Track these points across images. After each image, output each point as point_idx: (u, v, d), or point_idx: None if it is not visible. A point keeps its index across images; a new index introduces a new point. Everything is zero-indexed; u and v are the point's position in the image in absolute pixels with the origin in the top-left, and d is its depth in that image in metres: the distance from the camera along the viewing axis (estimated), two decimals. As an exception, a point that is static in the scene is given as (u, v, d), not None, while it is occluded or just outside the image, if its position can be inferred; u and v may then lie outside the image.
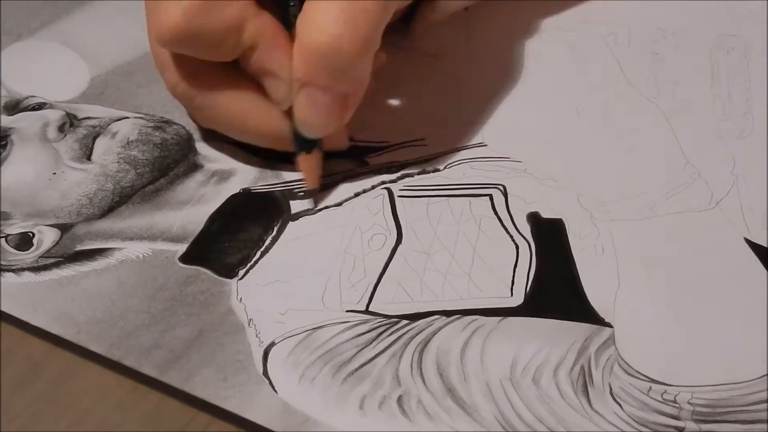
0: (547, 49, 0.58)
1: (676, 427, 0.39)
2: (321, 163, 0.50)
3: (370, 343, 0.43)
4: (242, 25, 0.46)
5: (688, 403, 0.40)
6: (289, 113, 0.48)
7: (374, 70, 0.48)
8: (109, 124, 0.55)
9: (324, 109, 0.47)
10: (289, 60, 0.46)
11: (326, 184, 0.51)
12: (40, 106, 0.56)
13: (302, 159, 0.50)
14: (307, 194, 0.50)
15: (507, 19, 0.60)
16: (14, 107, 0.56)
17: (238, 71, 0.49)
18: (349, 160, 0.53)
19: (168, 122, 0.56)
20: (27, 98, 0.57)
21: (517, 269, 0.46)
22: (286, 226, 0.49)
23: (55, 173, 0.52)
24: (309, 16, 0.45)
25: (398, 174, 0.51)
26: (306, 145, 0.50)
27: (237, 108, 0.50)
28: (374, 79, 0.48)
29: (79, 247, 0.49)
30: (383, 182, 0.51)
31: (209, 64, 0.48)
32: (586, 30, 0.58)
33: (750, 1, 0.58)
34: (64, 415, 0.43)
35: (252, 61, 0.47)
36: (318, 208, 0.50)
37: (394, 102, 0.56)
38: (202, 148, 0.54)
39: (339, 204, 0.50)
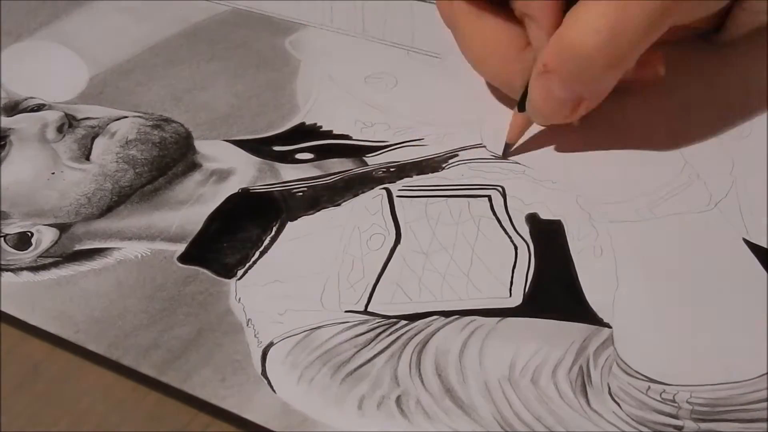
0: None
1: (675, 426, 0.39)
2: (527, 128, 0.51)
3: (369, 344, 0.43)
4: None
5: (687, 402, 0.40)
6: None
7: (646, 81, 0.50)
8: (107, 124, 0.55)
9: (556, 102, 0.47)
10: (555, 10, 0.47)
11: (325, 184, 0.51)
12: (39, 108, 0.56)
13: (515, 115, 0.51)
14: (505, 150, 0.51)
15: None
16: (13, 108, 0.56)
17: (504, 10, 0.50)
18: (348, 159, 0.53)
19: (167, 120, 0.56)
20: (26, 99, 0.57)
21: (515, 270, 0.46)
22: (284, 226, 0.49)
23: (53, 173, 0.52)
24: (578, 11, 0.45)
25: (397, 174, 0.51)
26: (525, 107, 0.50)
27: (482, 45, 0.51)
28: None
29: (78, 247, 0.49)
30: (382, 182, 0.51)
31: None
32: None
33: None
34: (64, 415, 0.42)
35: (516, 2, 0.49)
36: (318, 207, 0.50)
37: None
38: (201, 146, 0.54)
39: (338, 204, 0.50)
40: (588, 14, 0.45)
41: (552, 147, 0.52)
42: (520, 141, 0.52)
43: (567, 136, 0.52)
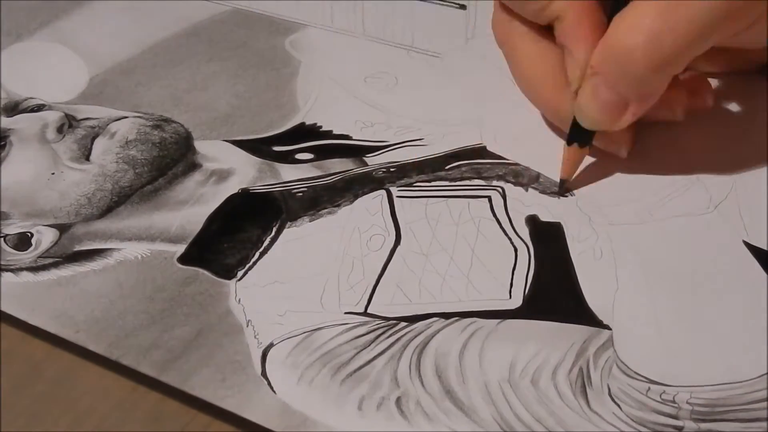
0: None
1: (675, 427, 0.39)
2: (581, 160, 0.50)
3: (369, 345, 0.43)
4: None
5: (687, 402, 0.40)
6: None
7: (693, 107, 0.49)
8: (107, 124, 0.55)
9: (603, 104, 0.47)
10: (590, 44, 0.46)
11: (325, 185, 0.51)
12: (39, 108, 0.56)
13: (568, 148, 0.50)
14: (560, 187, 0.50)
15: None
16: (13, 109, 0.56)
17: (550, 38, 0.49)
18: (348, 159, 0.53)
19: (167, 120, 0.56)
20: (26, 100, 0.57)
21: (515, 271, 0.46)
22: (284, 226, 0.49)
23: (53, 173, 0.52)
24: (625, 12, 0.45)
25: (397, 174, 0.51)
26: (578, 136, 0.49)
27: (533, 70, 0.50)
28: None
29: (78, 248, 0.49)
30: (382, 182, 0.51)
31: (525, 20, 0.49)
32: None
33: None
34: (64, 415, 0.42)
35: (557, 32, 0.48)
36: (319, 208, 0.50)
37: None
38: (201, 146, 0.54)
39: (338, 204, 0.50)
40: (632, 15, 0.45)
41: (607, 178, 0.51)
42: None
43: (617, 166, 0.51)
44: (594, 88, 0.46)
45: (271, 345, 0.43)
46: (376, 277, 0.46)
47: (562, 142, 0.50)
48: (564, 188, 0.50)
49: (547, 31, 0.49)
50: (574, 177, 0.50)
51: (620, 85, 0.46)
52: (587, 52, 0.47)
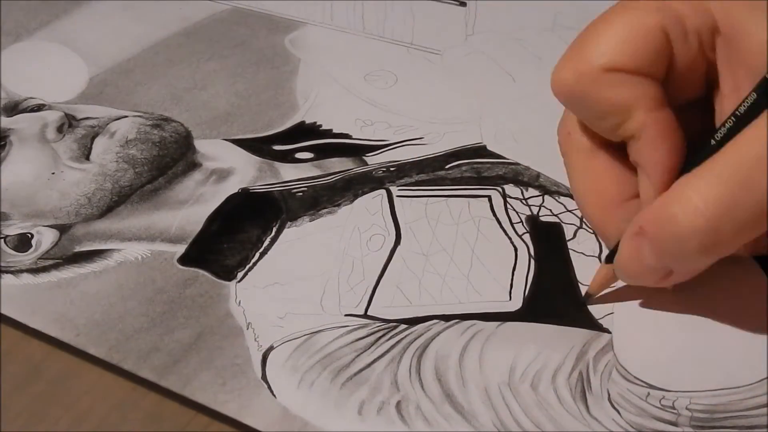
0: (548, 49, 0.58)
1: (674, 434, 0.39)
2: (613, 281, 0.46)
3: (369, 348, 0.43)
4: (631, 111, 0.43)
5: (687, 408, 0.40)
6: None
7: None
8: (107, 124, 0.55)
9: (643, 267, 0.43)
10: (667, 168, 0.43)
11: (325, 184, 0.51)
12: (39, 108, 0.56)
13: (603, 266, 0.46)
14: (586, 299, 0.46)
15: (508, 19, 0.60)
16: (13, 109, 0.56)
17: (621, 155, 0.45)
18: (348, 159, 0.53)
19: (167, 120, 0.56)
20: (26, 99, 0.57)
21: (515, 273, 0.46)
22: (284, 226, 0.49)
23: (53, 173, 0.52)
24: (687, 181, 0.41)
25: (397, 173, 0.51)
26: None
27: (590, 185, 0.46)
28: None
29: (78, 249, 0.49)
30: (382, 182, 0.51)
31: (588, 132, 0.46)
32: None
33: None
34: (64, 415, 0.43)
35: (631, 150, 0.44)
36: (318, 208, 0.50)
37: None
38: (201, 145, 0.54)
39: (338, 204, 0.50)
40: (694, 190, 0.40)
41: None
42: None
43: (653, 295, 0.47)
44: (638, 249, 0.42)
45: (271, 348, 0.43)
46: (376, 278, 0.46)
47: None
48: (588, 302, 0.46)
49: (607, 145, 0.46)
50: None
51: (667, 257, 0.42)
52: (663, 174, 0.43)
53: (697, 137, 0.43)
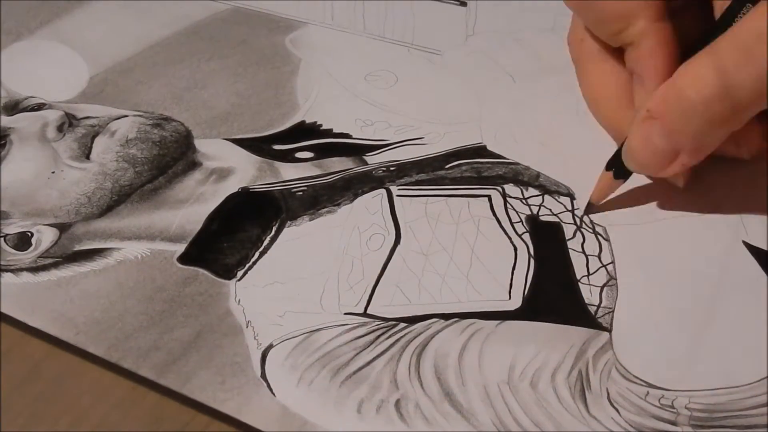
0: (548, 49, 0.58)
1: (673, 433, 0.39)
2: (615, 189, 0.49)
3: (368, 346, 0.43)
4: (632, 19, 0.46)
5: (686, 407, 0.40)
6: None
7: (750, 152, 0.48)
8: (108, 123, 0.55)
9: (653, 150, 0.45)
10: (663, 76, 0.45)
11: (325, 184, 0.51)
12: (39, 107, 0.56)
13: (604, 174, 0.48)
14: (588, 208, 0.49)
15: (508, 19, 0.60)
16: (14, 108, 0.56)
17: (620, 58, 0.49)
18: (348, 158, 0.53)
19: (167, 119, 0.56)
20: (26, 99, 0.57)
21: (515, 272, 0.46)
22: (284, 226, 0.49)
23: (53, 172, 0.52)
24: (694, 60, 0.44)
25: (397, 173, 0.51)
26: (619, 167, 0.48)
27: (599, 89, 0.50)
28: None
29: (78, 247, 0.49)
30: (382, 181, 0.51)
31: (598, 39, 0.49)
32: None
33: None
34: (64, 415, 0.43)
35: (628, 57, 0.47)
36: (318, 208, 0.50)
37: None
38: (201, 145, 0.54)
39: (338, 203, 0.50)
40: (702, 65, 0.43)
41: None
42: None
43: (657, 198, 0.50)
44: (647, 133, 0.45)
45: (270, 346, 0.43)
46: (376, 277, 0.46)
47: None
48: (591, 211, 0.49)
49: (618, 52, 0.49)
50: (603, 202, 0.49)
51: (678, 135, 0.44)
52: (659, 83, 0.45)
53: (692, 44, 0.46)
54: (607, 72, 0.49)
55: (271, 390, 0.42)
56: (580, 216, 0.49)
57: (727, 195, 0.49)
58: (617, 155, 0.48)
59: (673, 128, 0.44)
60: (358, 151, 0.54)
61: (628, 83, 0.48)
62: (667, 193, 0.49)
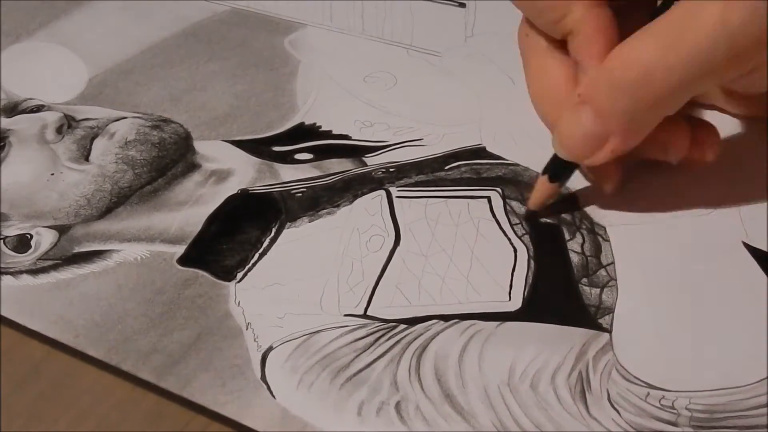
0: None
1: (674, 434, 0.39)
2: (552, 196, 0.48)
3: (368, 348, 0.43)
4: (568, 6, 0.46)
5: (686, 408, 0.40)
6: None
7: (691, 157, 0.47)
8: (107, 125, 0.55)
9: (582, 133, 0.45)
10: (601, 61, 0.45)
11: (325, 185, 0.51)
12: (38, 109, 0.56)
13: (541, 180, 0.48)
14: (526, 215, 0.49)
15: (508, 20, 0.60)
16: (13, 109, 0.56)
17: (564, 53, 0.48)
18: (347, 160, 0.53)
19: (166, 121, 0.56)
20: (25, 100, 0.57)
21: (515, 273, 0.46)
22: (284, 227, 0.49)
23: (53, 174, 0.52)
24: (626, 43, 0.44)
25: (396, 174, 0.51)
26: (555, 170, 0.48)
27: (540, 83, 0.50)
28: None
29: (77, 249, 0.49)
30: (381, 183, 0.51)
31: (542, 33, 0.49)
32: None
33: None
34: (63, 415, 0.43)
35: (570, 46, 0.47)
36: (318, 209, 0.50)
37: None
38: (200, 147, 0.54)
39: (337, 205, 0.50)
40: (631, 48, 0.43)
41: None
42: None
43: (657, 198, 0.49)
44: (578, 117, 0.45)
45: (270, 348, 0.43)
46: (376, 278, 0.46)
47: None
48: (531, 218, 0.48)
49: (562, 46, 0.48)
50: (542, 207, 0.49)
51: (605, 117, 0.44)
52: (599, 62, 0.45)
53: None
54: (549, 66, 0.49)
55: (271, 392, 0.42)
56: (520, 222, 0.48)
57: (727, 195, 0.49)
58: (553, 159, 0.47)
59: (602, 109, 0.44)
60: (357, 152, 0.54)
61: (570, 78, 0.48)
62: (667, 194, 0.49)
